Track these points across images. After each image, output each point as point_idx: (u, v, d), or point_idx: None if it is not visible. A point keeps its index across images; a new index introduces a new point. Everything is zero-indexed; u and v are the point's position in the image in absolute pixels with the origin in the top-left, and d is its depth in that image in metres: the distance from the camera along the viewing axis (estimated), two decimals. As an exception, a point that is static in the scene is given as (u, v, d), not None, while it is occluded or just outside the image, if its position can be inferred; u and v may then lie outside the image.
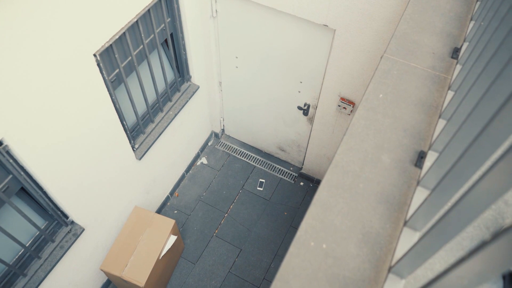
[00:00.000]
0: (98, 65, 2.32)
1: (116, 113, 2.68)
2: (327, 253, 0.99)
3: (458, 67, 1.31)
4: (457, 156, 0.89)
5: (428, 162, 1.08)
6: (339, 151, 1.17)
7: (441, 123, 1.17)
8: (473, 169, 0.72)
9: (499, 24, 0.91)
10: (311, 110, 3.62)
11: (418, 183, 1.05)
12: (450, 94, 1.24)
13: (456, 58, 1.38)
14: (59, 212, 2.53)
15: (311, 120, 3.73)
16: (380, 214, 1.05)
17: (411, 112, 1.27)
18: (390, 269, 0.92)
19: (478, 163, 0.69)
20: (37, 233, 2.52)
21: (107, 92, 2.51)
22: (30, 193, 2.28)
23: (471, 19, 1.55)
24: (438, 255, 0.96)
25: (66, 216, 2.61)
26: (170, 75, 3.38)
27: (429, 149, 1.11)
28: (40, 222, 2.54)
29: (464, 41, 1.38)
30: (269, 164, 4.49)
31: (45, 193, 2.34)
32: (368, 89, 1.31)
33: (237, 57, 3.57)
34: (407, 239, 0.96)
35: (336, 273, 0.95)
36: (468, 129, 0.83)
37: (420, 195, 1.04)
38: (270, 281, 3.65)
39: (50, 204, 2.42)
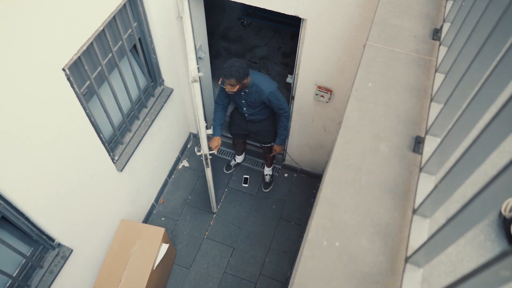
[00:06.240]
0: (68, 79, 2.21)
1: (92, 127, 2.57)
2: (340, 251, 0.98)
3: (442, 48, 1.32)
4: (460, 140, 0.89)
5: (427, 147, 1.09)
6: (337, 145, 1.16)
7: (434, 106, 1.17)
8: (485, 154, 0.71)
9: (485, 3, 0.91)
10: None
11: (420, 169, 1.06)
12: (438, 76, 1.25)
13: (438, 39, 1.39)
14: (44, 236, 2.42)
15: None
16: (387, 205, 1.05)
17: (402, 97, 1.27)
18: (407, 260, 0.92)
19: (491, 147, 0.69)
20: (24, 261, 2.41)
21: (81, 106, 2.40)
22: (11, 220, 2.16)
23: (446, -1, 1.57)
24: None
25: (52, 239, 2.50)
26: (143, 80, 3.28)
27: (426, 133, 1.12)
28: (26, 249, 2.42)
29: (444, 21, 1.39)
30: (251, 159, 4.46)
31: (27, 219, 2.22)
32: (356, 79, 1.31)
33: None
34: (419, 226, 0.96)
35: (353, 270, 0.95)
36: (469, 113, 0.83)
37: (424, 181, 1.04)
38: (266, 276, 3.65)
39: (34, 229, 2.31)
